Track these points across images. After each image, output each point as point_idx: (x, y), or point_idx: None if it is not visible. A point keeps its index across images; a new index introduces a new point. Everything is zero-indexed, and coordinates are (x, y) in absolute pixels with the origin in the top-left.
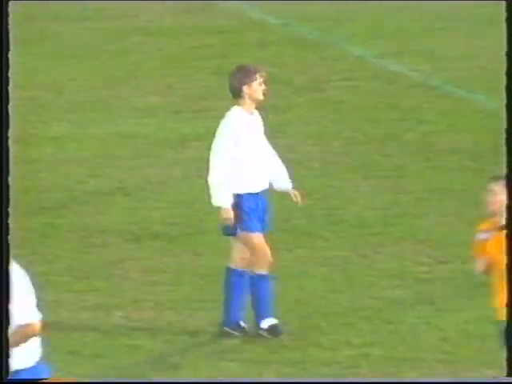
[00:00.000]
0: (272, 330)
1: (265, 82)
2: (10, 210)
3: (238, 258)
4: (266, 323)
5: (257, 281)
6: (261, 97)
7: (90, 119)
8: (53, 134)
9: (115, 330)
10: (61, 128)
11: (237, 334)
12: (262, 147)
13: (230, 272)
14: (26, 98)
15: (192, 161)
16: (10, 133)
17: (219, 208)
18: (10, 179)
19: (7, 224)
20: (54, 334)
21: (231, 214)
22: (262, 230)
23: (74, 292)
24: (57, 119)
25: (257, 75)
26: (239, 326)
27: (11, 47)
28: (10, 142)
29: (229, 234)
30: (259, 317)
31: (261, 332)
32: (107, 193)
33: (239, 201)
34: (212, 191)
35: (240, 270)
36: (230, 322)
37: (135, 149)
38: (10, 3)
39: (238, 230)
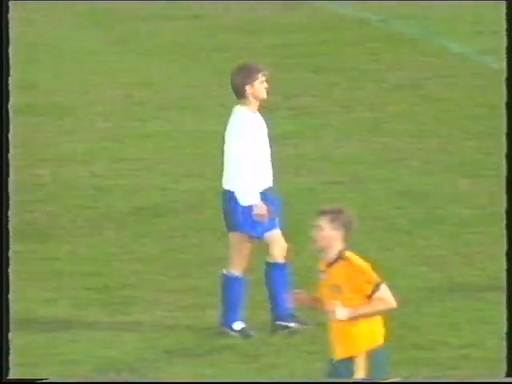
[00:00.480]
0: (242, 333)
1: (267, 81)
2: (106, 209)
3: (277, 252)
4: (237, 326)
5: (229, 281)
6: (264, 95)
7: (185, 118)
8: (149, 132)
9: (211, 330)
10: (157, 126)
11: (293, 325)
12: (267, 145)
13: (271, 266)
14: (122, 96)
15: (289, 158)
16: (107, 131)
17: (250, 207)
18: (106, 178)
19: (7, 224)
20: (150, 333)
21: (265, 210)
22: (259, 231)
23: (170, 291)
24: (153, 117)
25: (259, 74)
26: (293, 316)
27: (108, 47)
28: (107, 141)
29: (230, 231)
30: (228, 318)
31: (228, 331)
32: (202, 191)
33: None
34: (243, 191)
35: (280, 263)
36: (282, 316)
37: None
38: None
39: (233, 228)
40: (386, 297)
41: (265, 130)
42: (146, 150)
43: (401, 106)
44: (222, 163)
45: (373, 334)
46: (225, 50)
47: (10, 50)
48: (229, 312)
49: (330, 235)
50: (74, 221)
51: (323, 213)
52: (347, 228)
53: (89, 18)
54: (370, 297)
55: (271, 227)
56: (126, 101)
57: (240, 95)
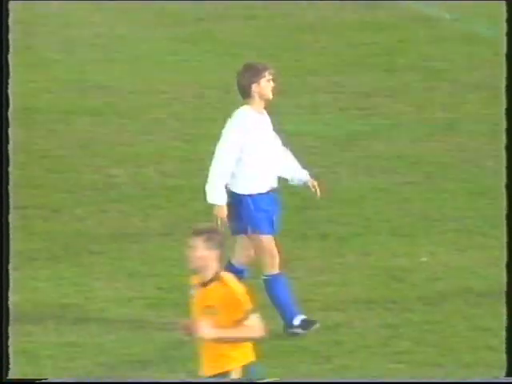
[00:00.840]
0: (304, 324)
1: (273, 80)
2: (178, 209)
3: (241, 255)
4: (297, 320)
5: (273, 282)
6: (270, 95)
7: None
8: (220, 132)
9: (281, 330)
10: None
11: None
12: (271, 146)
13: (230, 266)
14: (193, 97)
15: (360, 159)
16: (179, 131)
17: (213, 206)
18: (179, 178)
19: (7, 223)
20: None
21: (225, 213)
22: (273, 229)
23: None
24: (226, 118)
25: (265, 73)
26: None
27: (184, 47)
28: (179, 141)
29: (237, 234)
30: (287, 318)
31: (293, 331)
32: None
33: (251, 201)
34: (208, 188)
35: (240, 267)
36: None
37: (302, 147)
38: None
39: (249, 231)
40: (254, 325)
41: (269, 131)
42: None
43: (475, 105)
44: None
45: (243, 352)
46: (302, 49)
47: (87, 51)
48: (286, 312)
49: (204, 255)
50: (147, 220)
51: (197, 233)
52: (222, 247)
53: (165, 17)
54: (239, 322)
55: (256, 230)
56: (199, 101)
57: (246, 95)
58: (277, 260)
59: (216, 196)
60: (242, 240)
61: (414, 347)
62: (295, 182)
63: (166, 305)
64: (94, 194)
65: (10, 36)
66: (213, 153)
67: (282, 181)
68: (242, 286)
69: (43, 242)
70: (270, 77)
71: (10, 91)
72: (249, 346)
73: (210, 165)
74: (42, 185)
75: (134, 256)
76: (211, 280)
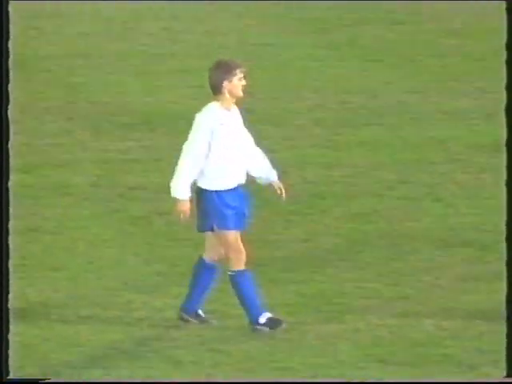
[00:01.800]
0: (270, 323)
1: (245, 78)
2: (320, 215)
3: (212, 252)
4: (263, 318)
5: (238, 278)
6: (240, 93)
7: (402, 124)
8: (364, 138)
9: (424, 339)
10: (373, 132)
11: (194, 321)
12: (239, 142)
13: (202, 262)
14: (336, 103)
15: (505, 166)
16: (322, 137)
17: (176, 199)
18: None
19: (7, 223)
20: (362, 342)
21: (187, 207)
22: (242, 225)
23: (383, 299)
24: (369, 124)
25: (237, 70)
26: (197, 314)
27: (328, 53)
28: (322, 147)
29: (203, 230)
30: (253, 315)
31: (259, 328)
32: (417, 198)
33: (216, 197)
34: (172, 183)
35: (211, 263)
36: (188, 309)
37: (447, 153)
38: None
39: (215, 227)
40: None
41: (238, 127)
42: (360, 156)
43: None
44: (440, 169)
45: None
46: (446, 54)
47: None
48: (251, 310)
49: None
50: (288, 227)
51: None
52: None
53: (308, 24)
54: None
55: (222, 226)
56: (343, 107)
57: (217, 91)
58: (243, 256)
59: (179, 190)
60: (210, 237)
61: None
62: (262, 182)
63: (307, 312)
64: None
65: (155, 43)
66: (359, 159)
67: (418, 188)
68: None
69: (185, 248)
70: (242, 75)
71: (153, 98)
72: None
73: (352, 172)
74: None
75: (276, 262)
76: None
